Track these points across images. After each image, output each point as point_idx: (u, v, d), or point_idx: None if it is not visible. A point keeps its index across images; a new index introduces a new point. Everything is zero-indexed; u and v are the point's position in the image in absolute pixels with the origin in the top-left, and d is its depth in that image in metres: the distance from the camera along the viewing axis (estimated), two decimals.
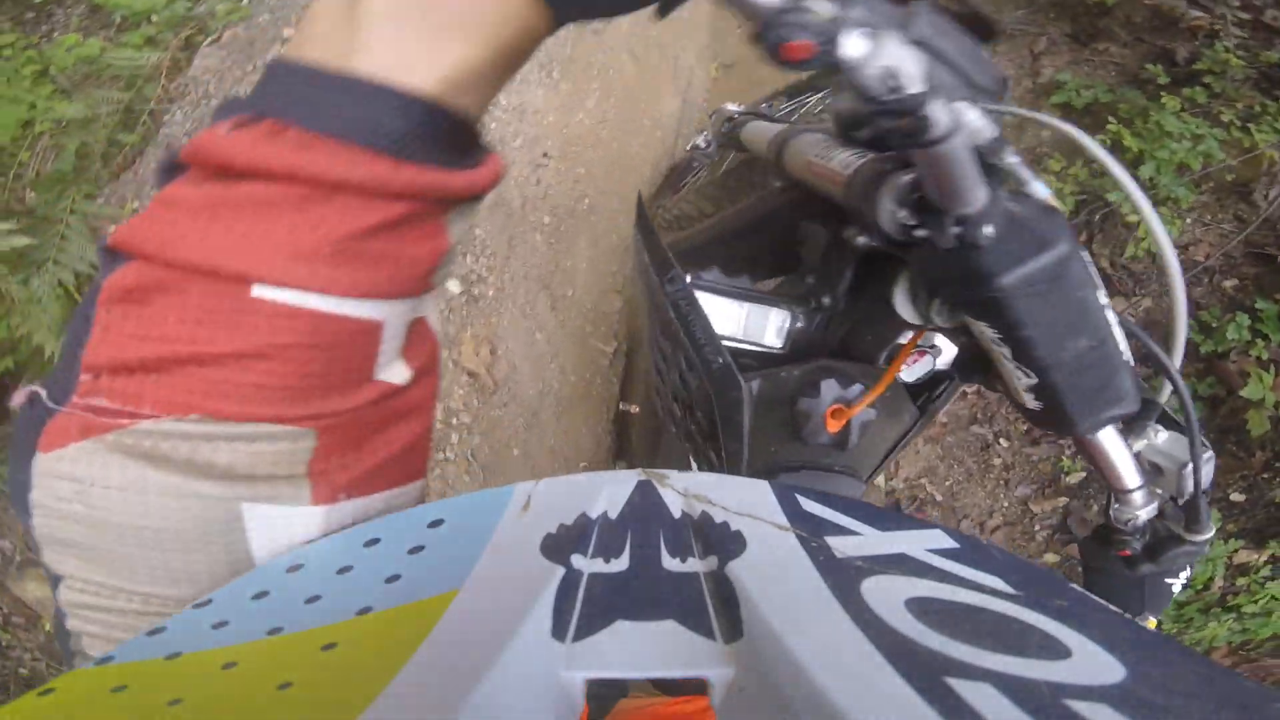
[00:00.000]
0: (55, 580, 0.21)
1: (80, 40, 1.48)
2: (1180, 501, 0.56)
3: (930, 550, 0.22)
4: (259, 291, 0.20)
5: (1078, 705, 0.14)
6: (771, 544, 0.22)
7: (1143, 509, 0.56)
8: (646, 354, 0.78)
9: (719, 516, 0.24)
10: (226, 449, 0.21)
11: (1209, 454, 0.54)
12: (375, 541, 0.23)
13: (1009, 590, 0.20)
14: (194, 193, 0.20)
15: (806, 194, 0.65)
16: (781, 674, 0.15)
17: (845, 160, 0.55)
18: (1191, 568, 0.62)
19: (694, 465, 0.72)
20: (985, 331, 0.45)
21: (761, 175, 1.03)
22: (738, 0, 0.29)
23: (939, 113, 0.35)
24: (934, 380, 0.71)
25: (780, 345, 0.68)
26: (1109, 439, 0.51)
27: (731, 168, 1.06)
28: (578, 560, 0.21)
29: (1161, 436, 0.55)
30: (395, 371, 0.24)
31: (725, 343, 0.62)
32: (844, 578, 0.19)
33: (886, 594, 0.19)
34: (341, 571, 0.21)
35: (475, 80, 0.22)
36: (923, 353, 0.67)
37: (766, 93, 1.19)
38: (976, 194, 0.40)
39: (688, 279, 0.64)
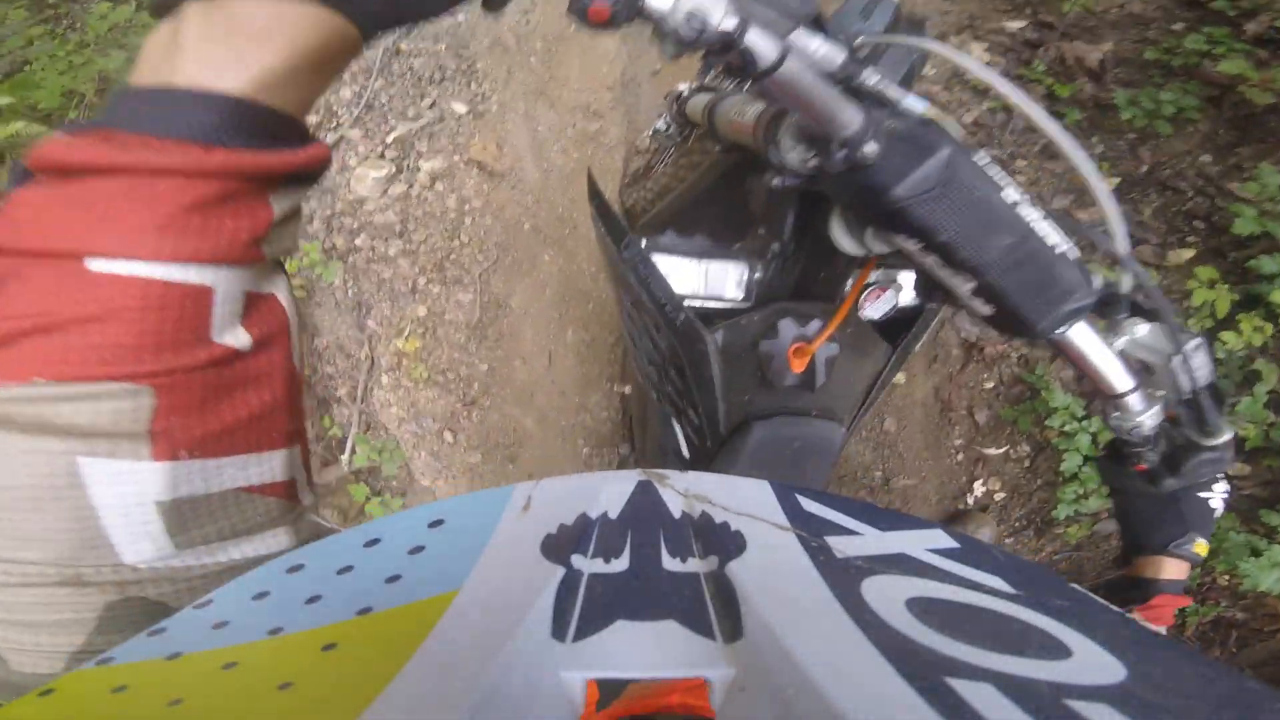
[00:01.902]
0: None
1: (111, 7, 1.64)
2: (1186, 401, 0.52)
3: (930, 550, 0.22)
4: (92, 264, 0.22)
5: (1078, 705, 0.14)
6: (772, 544, 0.22)
7: (1144, 414, 0.52)
8: (622, 328, 0.79)
9: (719, 517, 0.24)
10: (68, 408, 0.22)
11: (1196, 340, 0.50)
12: (375, 542, 0.23)
13: (1009, 590, 0.20)
14: (37, 192, 0.23)
15: (744, 152, 0.66)
16: (781, 674, 0.15)
17: (755, 112, 0.56)
18: (1224, 478, 0.57)
19: (677, 429, 0.72)
20: (910, 246, 0.46)
21: (712, 145, 1.04)
22: None
23: (760, 43, 0.37)
24: (907, 318, 0.71)
25: (743, 297, 0.69)
26: (1082, 338, 0.49)
27: (693, 144, 1.08)
28: (578, 560, 0.21)
29: (1141, 329, 0.52)
30: (235, 336, 0.26)
31: (690, 301, 0.63)
32: (844, 578, 0.19)
33: (887, 594, 0.19)
34: (341, 572, 0.21)
35: (283, 82, 0.26)
36: (883, 289, 0.67)
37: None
38: (848, 116, 0.42)
39: (643, 243, 0.65)
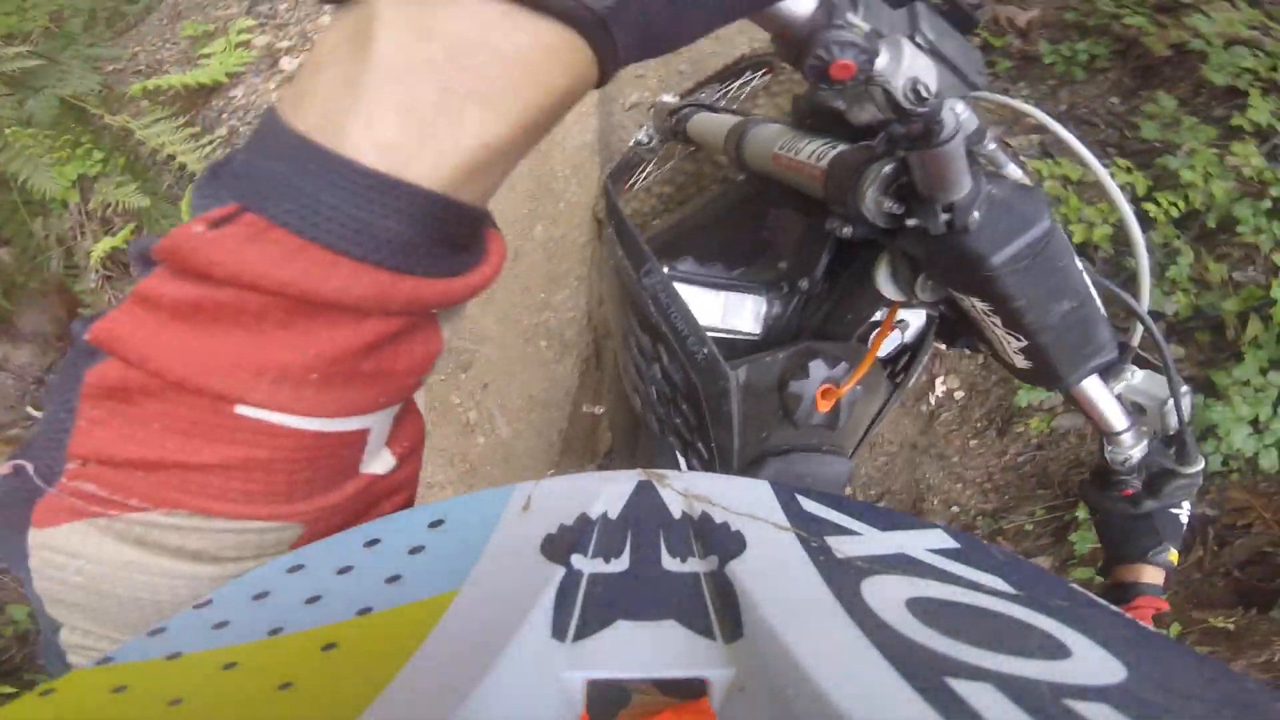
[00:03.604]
0: (55, 625, 0.22)
1: None
2: (1168, 436, 0.58)
3: (930, 550, 0.22)
4: (242, 410, 0.19)
5: (1078, 705, 0.14)
6: (771, 544, 0.22)
7: (1134, 448, 0.58)
8: (618, 353, 0.78)
9: (719, 516, 0.24)
10: (214, 539, 0.21)
11: (1185, 389, 0.56)
12: (375, 542, 0.23)
13: (1009, 590, 0.20)
14: (172, 293, 0.18)
15: (772, 183, 0.66)
16: (781, 674, 0.15)
17: (815, 151, 0.55)
18: (1191, 499, 0.65)
19: (681, 462, 0.71)
20: (976, 304, 0.47)
21: (714, 167, 1.03)
22: (773, 18, 0.28)
23: (948, 115, 0.36)
24: (901, 353, 0.73)
25: (758, 331, 0.69)
26: (1093, 386, 0.54)
27: (680, 162, 1.06)
28: (578, 560, 0.21)
29: (1138, 376, 0.57)
30: (381, 461, 0.24)
31: (705, 332, 0.62)
32: (844, 578, 0.19)
33: (887, 594, 0.19)
34: (341, 571, 0.21)
35: (495, 160, 0.20)
36: (892, 328, 0.68)
37: (692, 81, 1.16)
38: (963, 181, 0.42)
39: (665, 270, 0.64)
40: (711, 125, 0.77)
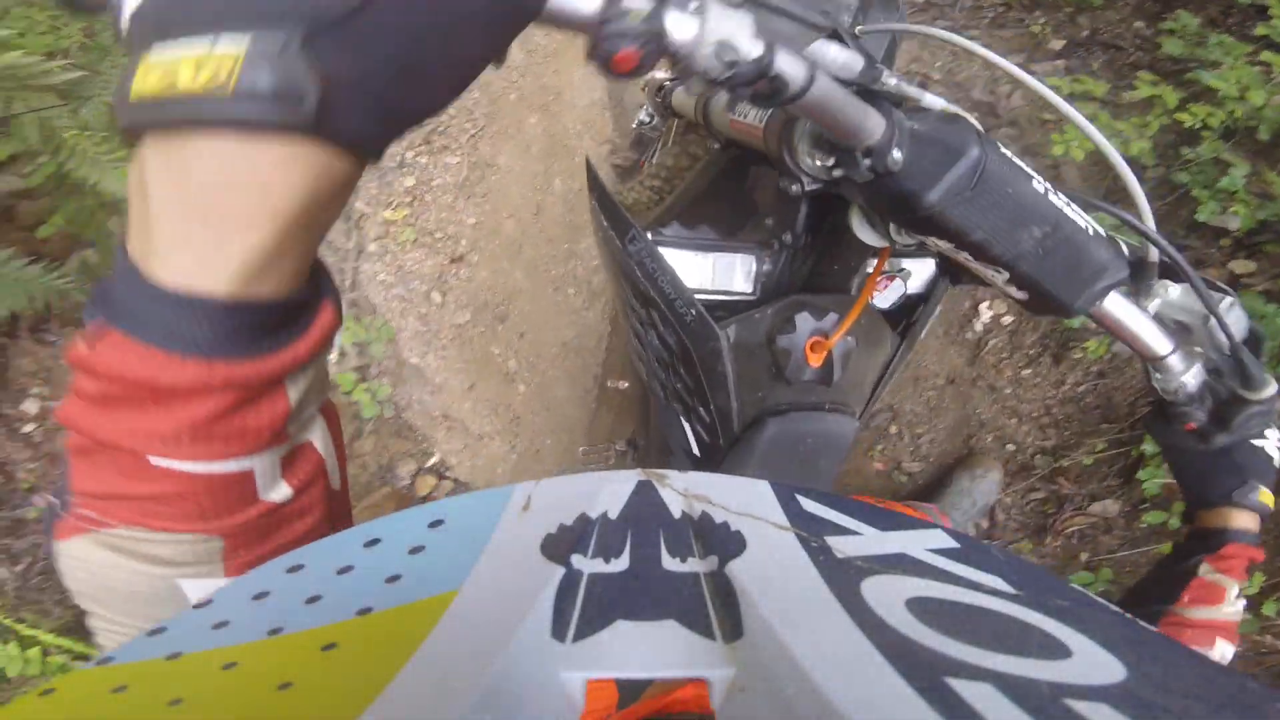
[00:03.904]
0: (86, 612, 0.29)
1: None
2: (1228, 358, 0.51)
3: (930, 550, 0.22)
4: (152, 459, 0.25)
5: (1078, 705, 0.14)
6: (771, 544, 0.22)
7: (1186, 374, 0.51)
8: (624, 325, 0.77)
9: (719, 516, 0.24)
10: (164, 547, 0.28)
11: (1228, 299, 0.50)
12: (375, 541, 0.23)
13: (1009, 590, 0.20)
14: (87, 388, 0.25)
15: (744, 147, 0.65)
16: (781, 674, 0.15)
17: (759, 114, 0.54)
18: (1275, 426, 0.56)
19: (686, 429, 0.71)
20: (940, 244, 0.45)
21: (710, 141, 1.02)
22: (559, 18, 0.28)
23: (789, 65, 0.34)
24: (911, 305, 0.70)
25: (751, 290, 0.67)
26: (1117, 306, 0.48)
27: (680, 135, 1.06)
28: (578, 560, 0.21)
29: (1174, 291, 0.51)
30: (278, 492, 0.29)
31: (697, 295, 0.61)
32: (844, 577, 0.19)
33: (887, 594, 0.19)
34: (341, 571, 0.21)
35: (273, 260, 0.24)
36: (892, 277, 0.66)
37: None
38: (870, 124, 0.40)
39: (648, 236, 0.63)
40: (686, 97, 0.77)
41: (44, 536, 0.30)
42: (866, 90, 0.41)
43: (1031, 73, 0.45)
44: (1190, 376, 0.51)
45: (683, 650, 0.17)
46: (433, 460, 1.60)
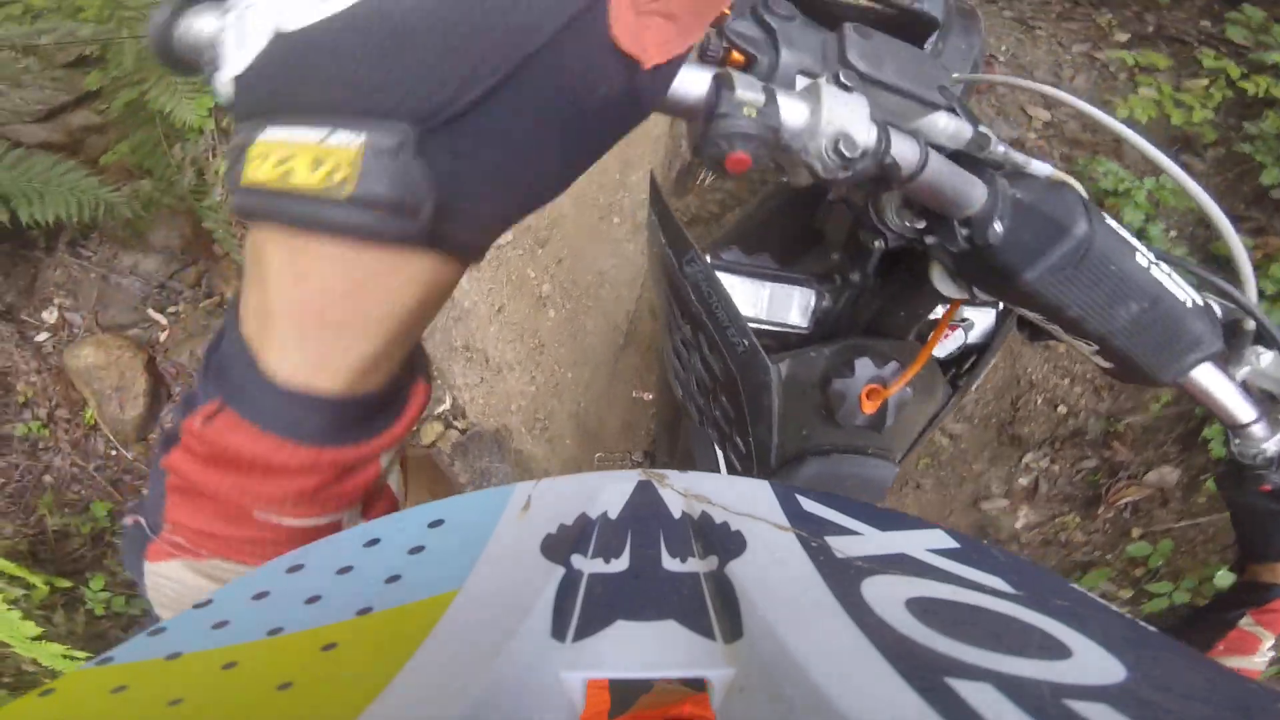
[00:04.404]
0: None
1: None
2: None
3: (930, 550, 0.22)
4: (256, 513, 0.27)
5: (1078, 705, 0.14)
6: (771, 544, 0.22)
7: (1269, 440, 0.50)
8: (663, 340, 0.75)
9: (719, 516, 0.24)
10: None
11: None
12: (375, 542, 0.23)
13: (1009, 590, 0.20)
14: (198, 449, 0.27)
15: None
16: (781, 674, 0.15)
17: None
18: None
19: (719, 455, 0.69)
20: (1030, 315, 0.43)
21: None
22: (668, 106, 0.26)
23: (904, 148, 0.33)
24: (963, 354, 0.68)
25: (805, 325, 0.65)
26: (1205, 376, 0.47)
27: None
28: (578, 560, 0.21)
29: (1265, 359, 0.49)
30: None
31: (748, 324, 0.59)
32: (844, 578, 0.19)
33: (887, 594, 0.19)
34: (341, 571, 0.21)
35: (382, 360, 0.26)
36: (954, 327, 0.64)
37: None
38: (973, 195, 0.38)
39: (707, 258, 0.61)
40: None
41: (125, 553, 0.32)
42: (970, 157, 0.38)
43: (1107, 110, 0.42)
44: (1273, 444, 0.51)
45: (683, 650, 0.17)
46: (443, 407, 1.59)
